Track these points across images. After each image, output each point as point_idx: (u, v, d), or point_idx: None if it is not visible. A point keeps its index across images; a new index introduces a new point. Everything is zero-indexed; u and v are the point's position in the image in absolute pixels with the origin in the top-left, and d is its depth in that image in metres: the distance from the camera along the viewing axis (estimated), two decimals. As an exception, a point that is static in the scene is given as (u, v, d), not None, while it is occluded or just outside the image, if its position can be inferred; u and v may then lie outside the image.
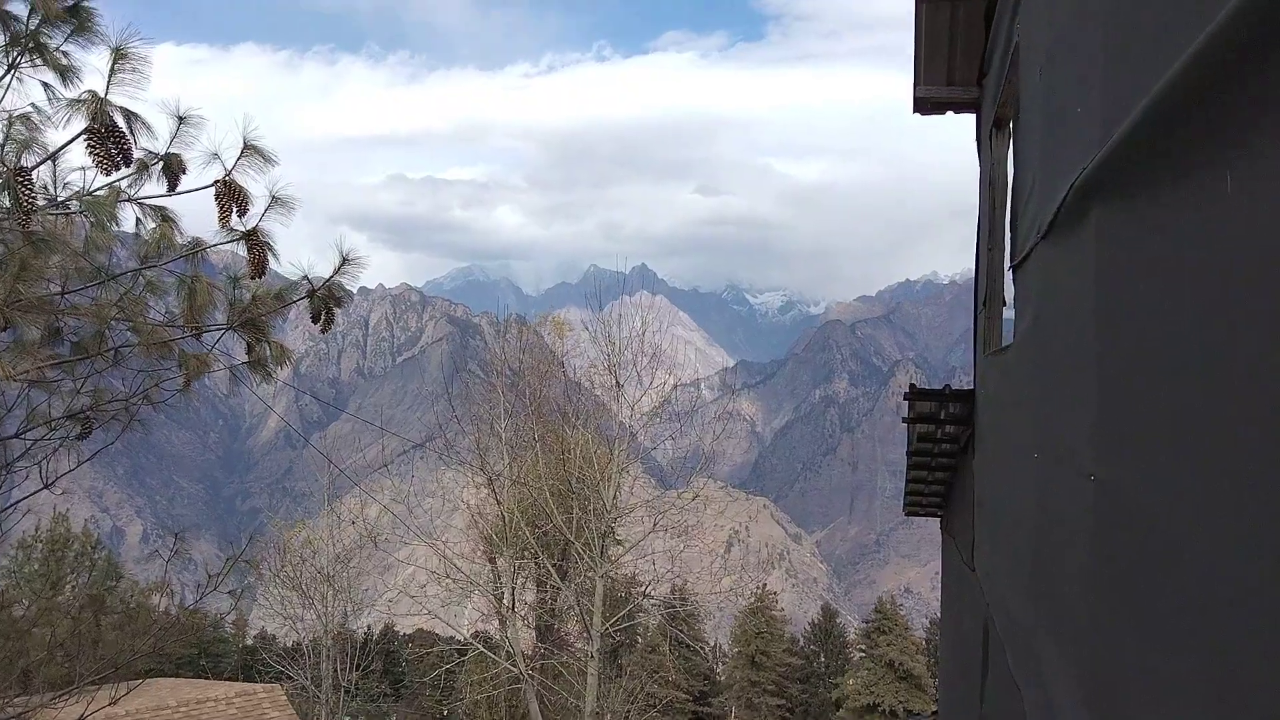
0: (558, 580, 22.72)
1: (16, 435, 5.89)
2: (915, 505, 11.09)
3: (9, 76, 5.26)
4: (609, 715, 22.10)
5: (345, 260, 6.32)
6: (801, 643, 51.92)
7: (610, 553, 22.16)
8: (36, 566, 28.54)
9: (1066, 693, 3.04)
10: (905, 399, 7.45)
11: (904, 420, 7.86)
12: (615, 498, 21.57)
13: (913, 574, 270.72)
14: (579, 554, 21.33)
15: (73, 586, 26.86)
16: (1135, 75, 2.17)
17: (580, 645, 24.04)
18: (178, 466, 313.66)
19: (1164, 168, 1.97)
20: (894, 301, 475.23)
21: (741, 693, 45.46)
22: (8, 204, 4.91)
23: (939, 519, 11.30)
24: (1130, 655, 2.26)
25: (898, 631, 44.64)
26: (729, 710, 45.48)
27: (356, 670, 26.35)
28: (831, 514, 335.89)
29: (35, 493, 6.45)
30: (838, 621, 54.28)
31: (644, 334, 22.81)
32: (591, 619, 20.95)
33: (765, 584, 55.94)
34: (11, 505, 6.44)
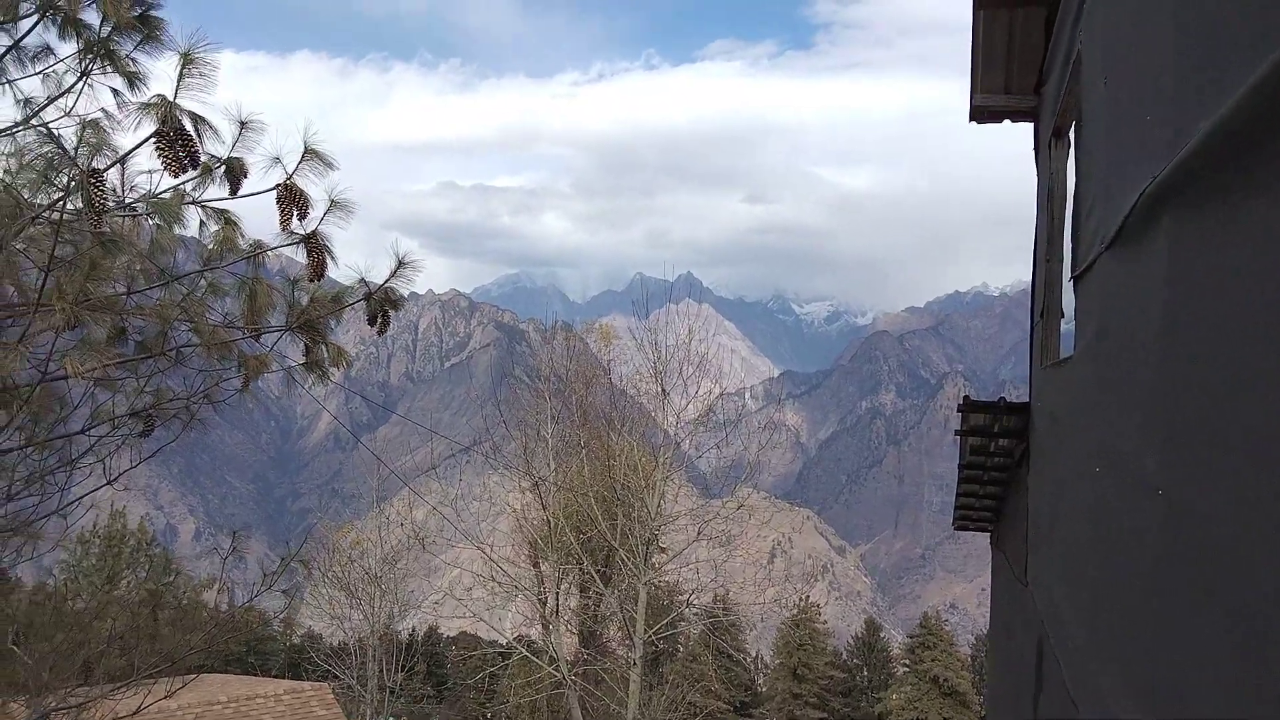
0: (601, 586, 22.75)
1: (82, 431, 6.05)
2: (966, 519, 10.91)
3: (81, 83, 5.42)
4: (650, 723, 22.06)
5: (401, 264, 6.40)
6: (844, 656, 51.35)
7: (654, 560, 22.14)
8: (94, 561, 29.23)
9: (1126, 712, 2.97)
10: (959, 411, 7.35)
11: (956, 433, 7.75)
12: (659, 505, 21.55)
13: (959, 590, 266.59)
14: (623, 561, 21.33)
15: (129, 582, 27.50)
16: (1210, 82, 2.12)
17: (623, 652, 24.01)
18: (230, 466, 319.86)
19: (1240, 178, 1.92)
20: (943, 313, 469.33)
21: (783, 704, 45.07)
22: (76, 206, 5.06)
23: (989, 534, 11.12)
24: (1194, 677, 2.21)
25: (943, 647, 43.96)
26: (770, 722, 45.12)
27: (401, 671, 26.61)
28: (876, 527, 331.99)
29: (98, 489, 6.62)
30: (881, 636, 53.59)
31: (689, 342, 22.78)
32: (634, 626, 20.92)
33: (808, 596, 55.44)
34: (75, 501, 6.61)
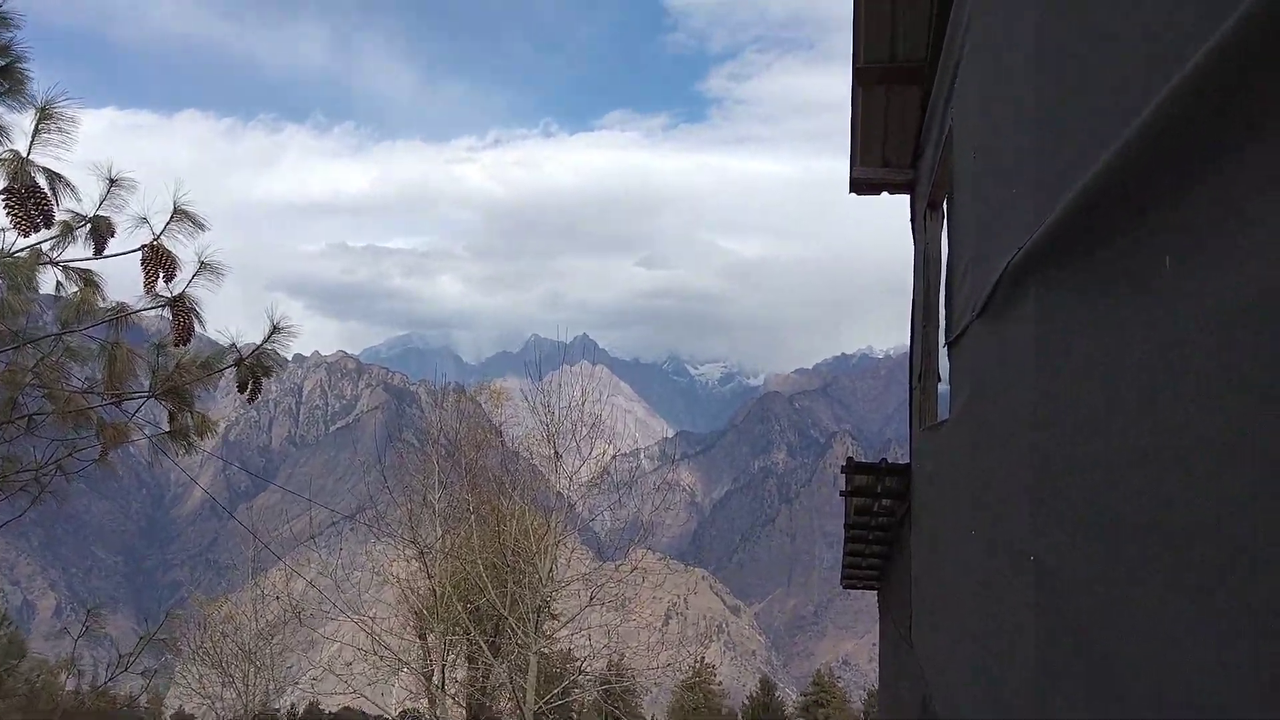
0: (490, 657, 22.08)
1: (-84, 506, 5.57)
2: (853, 579, 11.05)
3: (-70, 133, 5.09)
4: (543, 798, 21.36)
5: (276, 329, 6.18)
6: (740, 718, 51.08)
7: (545, 627, 21.66)
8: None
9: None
10: (843, 471, 7.46)
11: (841, 494, 7.86)
12: (552, 570, 21.15)
13: (850, 645, 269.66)
14: (513, 629, 20.79)
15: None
16: (1072, 156, 2.21)
17: (513, 724, 23.29)
18: (96, 537, 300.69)
19: (1102, 247, 1.99)
20: (831, 374, 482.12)
21: (679, 771, 44.42)
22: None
23: (876, 592, 11.27)
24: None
25: (836, 704, 44.24)
26: (667, 790, 44.35)
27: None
28: (770, 585, 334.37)
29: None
30: (776, 695, 53.51)
31: (584, 403, 22.66)
32: (525, 696, 20.34)
33: (703, 657, 55.14)
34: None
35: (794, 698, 56.40)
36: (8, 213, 4.38)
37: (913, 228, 7.83)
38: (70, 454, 5.72)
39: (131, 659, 5.97)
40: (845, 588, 12.08)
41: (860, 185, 8.82)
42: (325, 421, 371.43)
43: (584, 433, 22.43)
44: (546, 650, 22.77)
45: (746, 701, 53.32)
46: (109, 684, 6.51)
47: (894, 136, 8.21)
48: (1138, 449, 1.76)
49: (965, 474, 4.13)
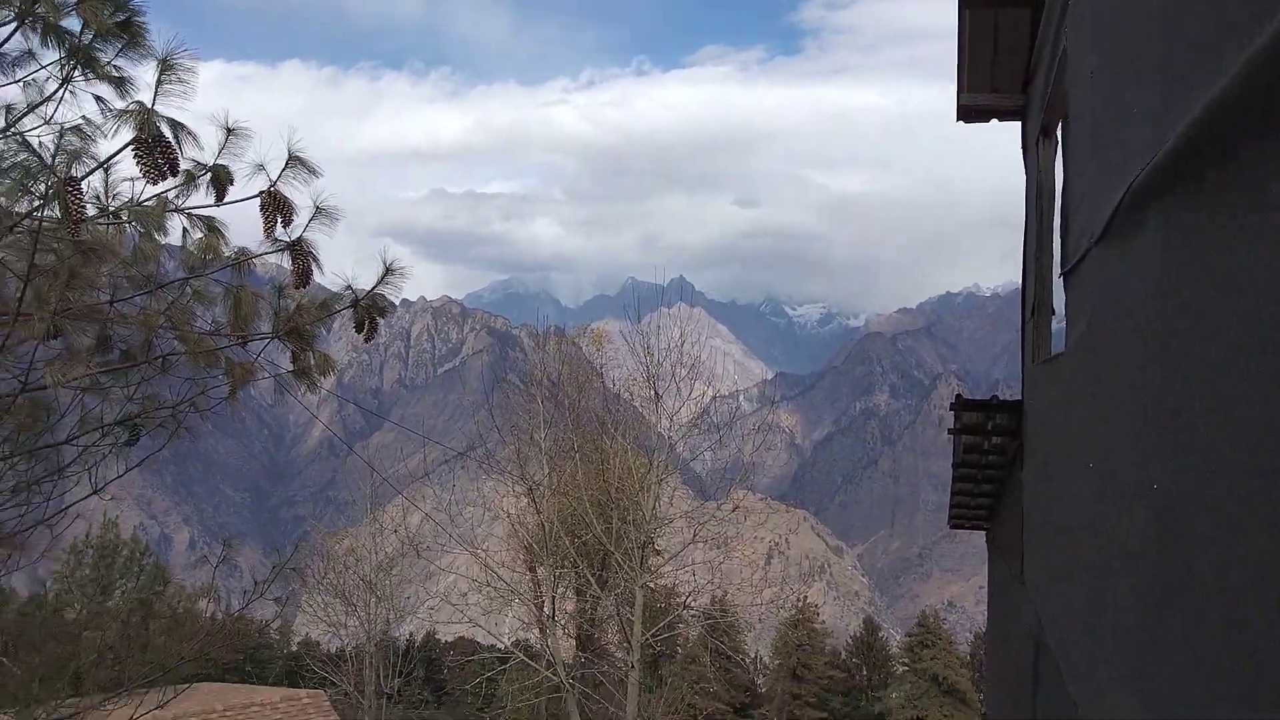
0: (597, 589, 22.68)
1: (68, 441, 6.00)
2: (961, 518, 10.90)
3: (62, 90, 5.37)
4: (649, 726, 22.01)
5: (389, 270, 6.36)
6: (843, 656, 51.28)
7: (650, 563, 22.06)
8: (88, 572, 29.09)
9: (1124, 710, 2.94)
10: (951, 409, 7.33)
11: (949, 432, 7.74)
12: (654, 508, 21.48)
13: (956, 588, 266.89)
14: (619, 564, 21.27)
15: (122, 591, 27.36)
16: (1194, 73, 2.10)
17: (621, 655, 23.93)
18: (224, 475, 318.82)
19: (1226, 168, 1.90)
20: (935, 314, 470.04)
21: (783, 705, 45.00)
22: (56, 214, 5.01)
23: (985, 532, 11.11)
24: (1189, 675, 2.18)
25: (941, 645, 43.95)
26: (769, 723, 45.06)
27: (399, 677, 26.52)
28: (873, 527, 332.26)
29: (85, 498, 6.55)
30: (880, 635, 53.49)
31: (682, 345, 22.71)
32: (632, 629, 20.86)
33: (806, 596, 55.42)
34: (62, 510, 6.55)
35: (898, 638, 56.24)
36: (137, 162, 4.62)
37: (1024, 156, 7.54)
38: (202, 392, 6.06)
39: (265, 586, 6.36)
40: (953, 528, 11.94)
41: (968, 113, 8.51)
42: (433, 364, 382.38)
43: (683, 374, 22.53)
44: (652, 585, 23.22)
45: (850, 641, 53.51)
46: (244, 610, 6.95)
47: (1003, 61, 7.86)
48: (1266, 374, 1.70)
49: (1082, 406, 4.02)
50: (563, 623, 24.48)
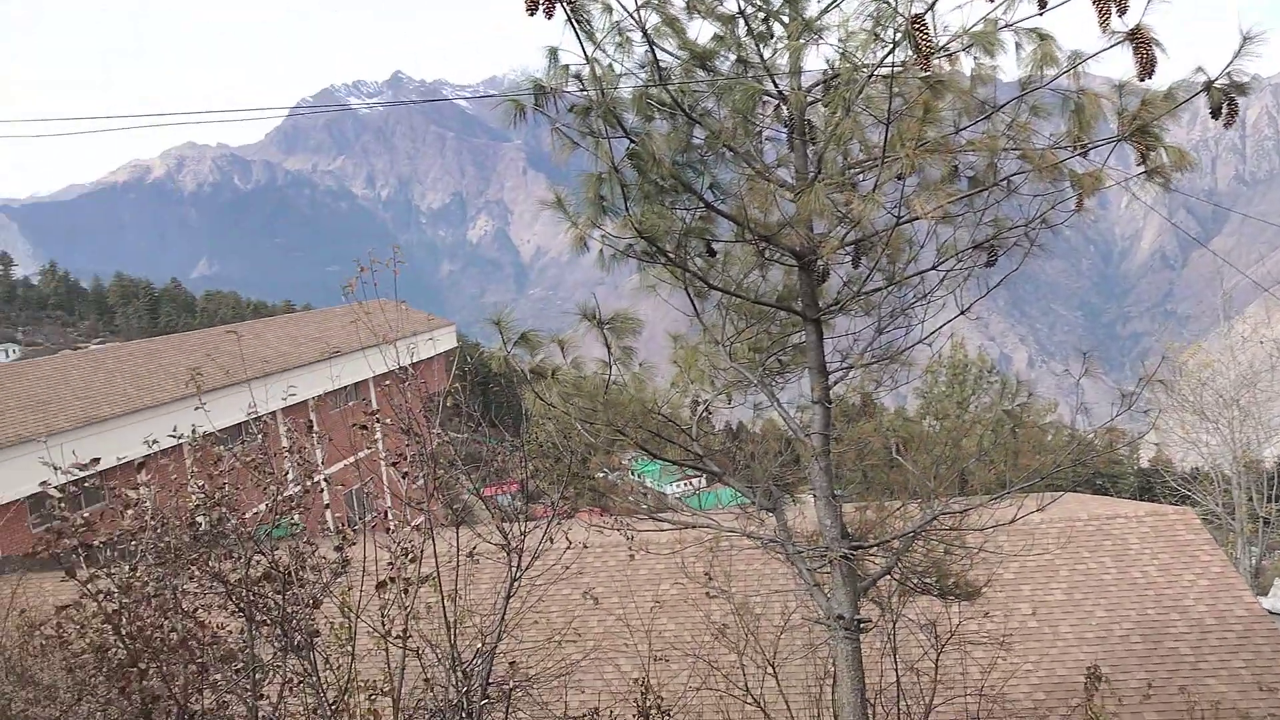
0: None
1: (933, 268, 6.60)
2: None
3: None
4: None
5: (1246, 39, 5.44)
6: None
7: None
8: (943, 388, 32.29)
9: None
10: None
11: None
12: None
13: None
14: None
15: (976, 406, 29.78)
16: None
17: None
18: (1054, 295, 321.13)
19: None
20: None
21: None
22: (899, 58, 5.36)
23: None
24: None
25: None
26: None
27: (1273, 502, 24.01)
28: None
29: (950, 320, 7.17)
30: None
31: None
32: None
33: None
34: (933, 332, 7.27)
35: None
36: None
37: None
38: (1051, 207, 6.06)
39: (1135, 396, 6.23)
40: None
41: None
42: (1278, 153, 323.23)
43: None
44: None
45: None
46: (1113, 421, 6.91)
47: None
48: None
49: None
50: None
